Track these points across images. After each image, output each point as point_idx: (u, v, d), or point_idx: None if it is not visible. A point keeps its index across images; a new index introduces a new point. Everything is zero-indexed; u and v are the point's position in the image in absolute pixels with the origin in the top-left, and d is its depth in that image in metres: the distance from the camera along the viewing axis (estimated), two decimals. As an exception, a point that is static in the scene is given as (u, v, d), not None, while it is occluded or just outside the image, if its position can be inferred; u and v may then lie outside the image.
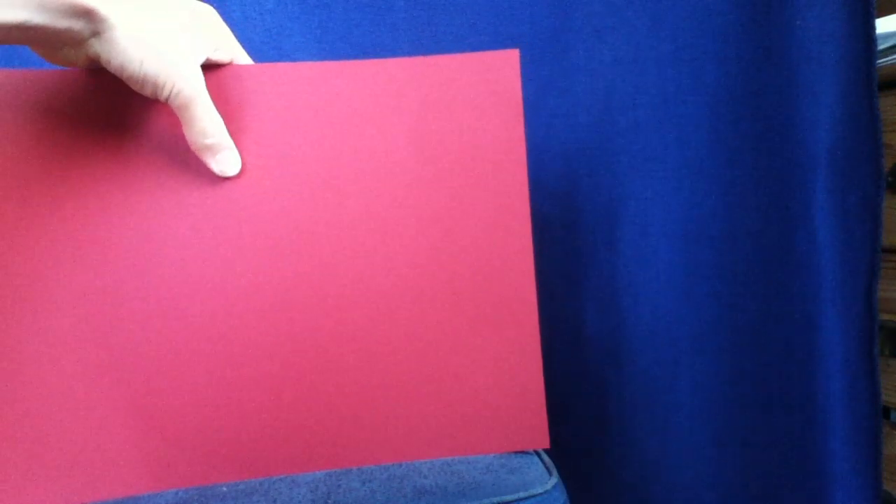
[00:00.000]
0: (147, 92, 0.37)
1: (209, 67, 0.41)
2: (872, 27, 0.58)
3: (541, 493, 0.41)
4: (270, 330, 0.42)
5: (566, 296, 0.69)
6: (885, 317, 0.63)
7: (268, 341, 0.42)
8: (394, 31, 0.64)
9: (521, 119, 0.44)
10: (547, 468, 0.45)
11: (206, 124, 0.38)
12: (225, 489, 0.42)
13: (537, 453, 0.47)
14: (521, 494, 0.41)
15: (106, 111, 0.40)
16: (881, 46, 0.65)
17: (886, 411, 0.66)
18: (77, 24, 0.33)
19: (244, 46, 0.44)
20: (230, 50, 0.42)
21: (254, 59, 0.44)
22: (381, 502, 0.39)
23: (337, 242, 0.43)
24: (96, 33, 0.34)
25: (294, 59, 0.55)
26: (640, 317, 0.66)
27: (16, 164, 0.39)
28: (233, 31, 0.43)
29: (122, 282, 0.41)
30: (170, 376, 0.41)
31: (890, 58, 0.67)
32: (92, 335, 0.40)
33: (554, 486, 0.42)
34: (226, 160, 0.41)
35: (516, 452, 0.47)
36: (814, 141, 0.61)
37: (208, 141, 0.39)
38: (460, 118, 0.44)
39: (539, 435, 0.45)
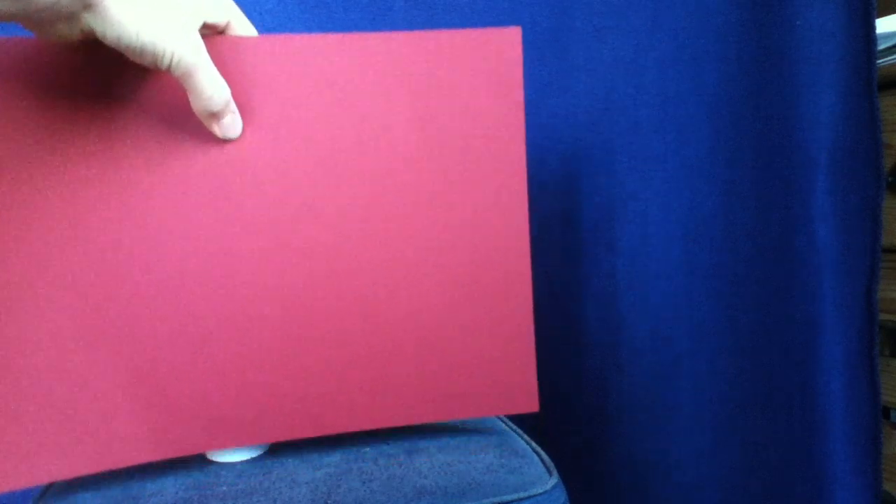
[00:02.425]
0: (147, 62, 0.36)
1: (208, 36, 0.40)
2: (872, 27, 0.58)
3: (541, 493, 0.41)
4: (270, 298, 0.42)
5: (566, 296, 0.69)
6: (885, 317, 0.63)
7: (268, 309, 0.42)
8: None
9: (521, 94, 0.45)
10: (547, 468, 0.45)
11: (213, 91, 0.38)
12: (225, 489, 0.42)
13: (537, 453, 0.47)
14: (521, 494, 0.41)
15: (104, 82, 0.40)
16: (881, 46, 0.65)
17: (886, 411, 0.66)
18: None
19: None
20: (227, 10, 0.41)
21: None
22: (381, 502, 0.39)
23: (336, 212, 0.43)
24: (88, 6, 0.33)
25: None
26: (640, 317, 0.66)
27: (12, 134, 0.39)
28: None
29: (121, 252, 0.40)
30: (170, 344, 0.41)
31: (890, 58, 0.67)
32: (91, 305, 0.40)
33: (554, 486, 0.42)
34: (229, 125, 0.40)
35: (516, 453, 0.47)
36: (814, 141, 0.61)
37: (213, 109, 0.39)
38: (461, 92, 0.44)
39: (529, 398, 0.47)
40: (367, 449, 0.48)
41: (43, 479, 0.40)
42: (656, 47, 0.62)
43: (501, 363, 0.46)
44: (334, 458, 0.46)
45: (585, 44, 0.64)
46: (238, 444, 0.43)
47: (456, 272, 0.45)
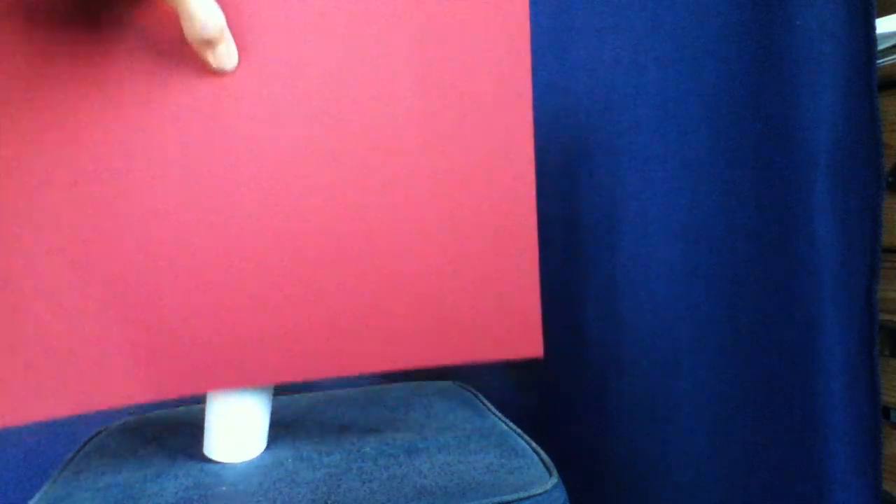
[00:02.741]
0: None
1: None
2: (872, 27, 0.58)
3: (541, 493, 0.41)
4: (267, 234, 0.41)
5: (566, 296, 0.69)
6: (885, 317, 0.63)
7: (266, 247, 0.41)
8: None
9: (527, 29, 0.44)
10: (547, 468, 0.45)
11: (206, 17, 0.37)
12: (225, 489, 0.42)
13: (537, 453, 0.47)
14: (521, 494, 0.41)
15: (95, 11, 0.39)
16: (881, 46, 0.65)
17: (886, 411, 0.66)
18: None
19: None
20: None
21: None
22: (381, 502, 0.39)
23: (334, 149, 0.42)
24: None
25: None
26: (640, 317, 0.66)
27: (2, 66, 0.38)
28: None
29: (113, 185, 0.40)
30: (166, 282, 0.40)
31: (890, 58, 0.67)
32: (85, 241, 0.39)
33: (554, 486, 0.42)
34: (223, 54, 0.39)
35: (516, 453, 0.47)
36: (814, 141, 0.61)
37: (207, 35, 0.38)
38: (465, 26, 0.43)
39: (534, 344, 0.46)
40: (368, 449, 0.48)
41: (38, 416, 0.39)
42: (656, 47, 0.62)
43: (506, 307, 0.45)
44: (334, 458, 0.46)
45: (585, 44, 0.64)
46: (237, 384, 0.42)
47: (460, 213, 0.44)
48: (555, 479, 0.43)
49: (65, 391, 0.39)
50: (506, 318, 0.45)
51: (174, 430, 0.56)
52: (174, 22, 0.39)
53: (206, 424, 0.48)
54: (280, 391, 0.67)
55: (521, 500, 0.40)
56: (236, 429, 0.47)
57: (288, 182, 0.42)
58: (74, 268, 0.39)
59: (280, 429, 0.54)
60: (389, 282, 0.43)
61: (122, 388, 0.40)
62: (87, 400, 0.40)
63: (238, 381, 0.42)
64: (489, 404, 0.61)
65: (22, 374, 0.39)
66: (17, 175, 0.39)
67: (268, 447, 0.50)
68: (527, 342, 0.46)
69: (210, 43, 0.38)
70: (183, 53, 0.40)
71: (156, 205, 0.40)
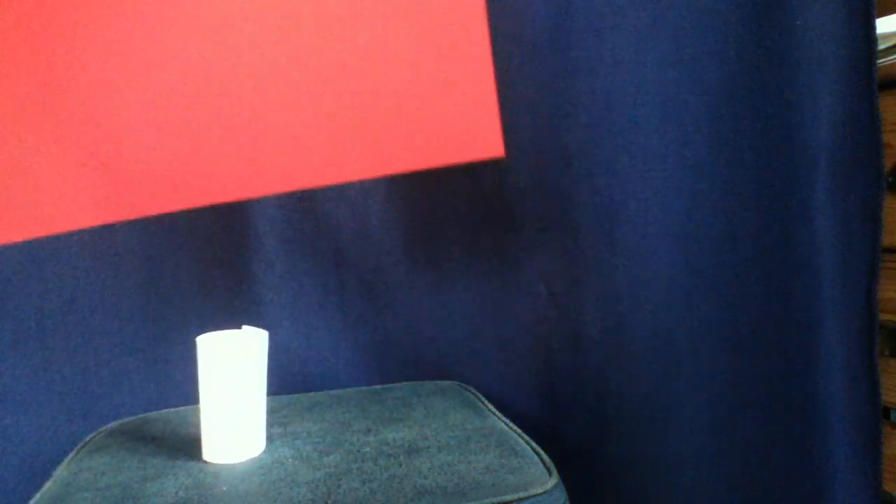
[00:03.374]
0: None
1: None
2: (872, 27, 0.58)
3: (541, 493, 0.41)
4: (245, 59, 0.42)
5: (566, 296, 0.69)
6: (885, 317, 0.63)
7: (241, 68, 0.42)
8: None
9: None
10: (547, 468, 0.45)
11: None
12: (225, 489, 0.42)
13: (537, 453, 0.47)
14: (521, 494, 0.41)
15: None
16: (881, 46, 0.65)
17: (886, 411, 0.66)
18: None
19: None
20: None
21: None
22: (381, 502, 0.39)
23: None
24: None
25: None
26: (640, 317, 0.66)
27: None
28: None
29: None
30: (118, 104, 0.40)
31: (890, 58, 0.67)
32: (50, 70, 0.39)
33: (554, 486, 0.42)
34: None
35: (516, 453, 0.47)
36: (814, 141, 0.61)
37: None
38: None
39: (494, 144, 0.50)
40: (367, 449, 0.48)
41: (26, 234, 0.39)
42: (656, 47, 0.62)
43: (466, 114, 0.48)
44: (334, 458, 0.46)
45: (585, 44, 0.64)
46: (208, 200, 0.43)
47: (416, 26, 0.46)
48: (555, 479, 0.43)
49: (26, 217, 0.39)
50: (468, 126, 0.49)
51: (174, 430, 0.56)
52: None
53: (203, 430, 0.48)
54: (280, 391, 0.67)
55: (521, 500, 0.40)
56: (233, 431, 0.47)
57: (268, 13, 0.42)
58: (31, 100, 0.39)
59: (280, 429, 0.54)
60: (353, 100, 0.46)
61: (76, 212, 0.40)
62: (40, 225, 0.40)
63: (209, 197, 0.43)
64: (489, 404, 0.61)
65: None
66: None
67: (268, 447, 0.50)
68: (488, 144, 0.50)
69: None
70: None
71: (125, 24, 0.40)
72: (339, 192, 0.68)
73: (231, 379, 0.47)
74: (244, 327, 0.51)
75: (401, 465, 0.44)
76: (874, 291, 0.61)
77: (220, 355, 0.47)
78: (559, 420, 0.71)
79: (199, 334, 0.49)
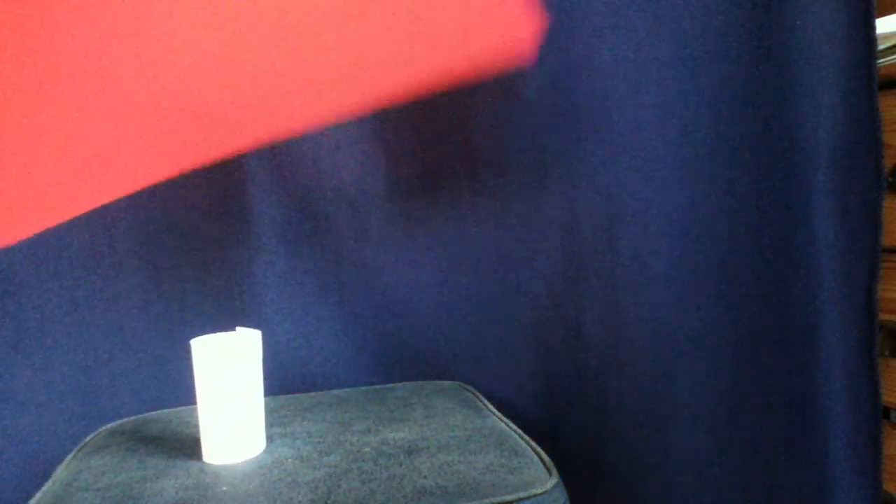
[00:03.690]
0: None
1: None
2: (872, 27, 0.58)
3: (541, 493, 0.41)
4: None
5: (566, 296, 0.69)
6: (885, 317, 0.63)
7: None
8: None
9: None
10: (547, 468, 0.45)
11: None
12: (225, 489, 0.42)
13: (537, 453, 0.47)
14: (521, 494, 0.41)
15: None
16: (881, 46, 0.65)
17: (886, 411, 0.66)
18: None
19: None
20: None
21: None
22: (381, 502, 0.39)
23: None
24: None
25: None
26: (640, 317, 0.66)
27: None
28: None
29: None
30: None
31: (890, 58, 0.67)
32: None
33: (554, 486, 0.42)
34: None
35: (516, 453, 0.47)
36: (814, 141, 0.61)
37: None
38: None
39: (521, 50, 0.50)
40: (368, 449, 0.48)
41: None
42: (656, 47, 0.62)
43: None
44: (334, 459, 0.46)
45: (585, 43, 0.64)
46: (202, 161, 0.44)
47: None
48: (555, 479, 0.43)
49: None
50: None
51: (174, 431, 0.56)
52: None
53: (202, 431, 0.48)
54: (280, 391, 0.67)
55: (521, 500, 0.40)
56: (231, 431, 0.47)
57: None
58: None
59: (280, 429, 0.54)
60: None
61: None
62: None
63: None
64: (489, 404, 0.61)
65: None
66: None
67: (267, 447, 0.50)
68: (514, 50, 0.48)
69: None
70: None
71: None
72: (339, 192, 0.68)
73: (227, 381, 0.47)
74: (238, 328, 0.52)
75: (401, 465, 0.44)
76: (874, 291, 0.61)
77: (214, 358, 0.47)
78: (559, 420, 0.71)
79: (199, 334, 0.49)
